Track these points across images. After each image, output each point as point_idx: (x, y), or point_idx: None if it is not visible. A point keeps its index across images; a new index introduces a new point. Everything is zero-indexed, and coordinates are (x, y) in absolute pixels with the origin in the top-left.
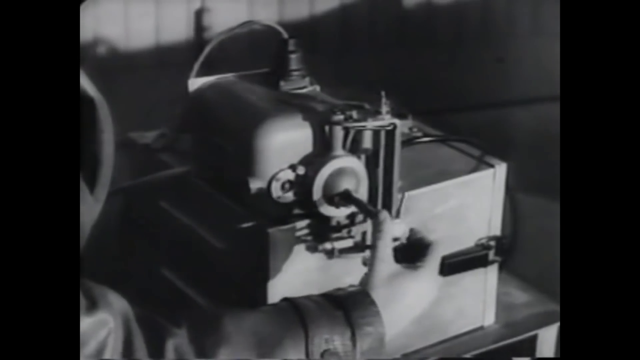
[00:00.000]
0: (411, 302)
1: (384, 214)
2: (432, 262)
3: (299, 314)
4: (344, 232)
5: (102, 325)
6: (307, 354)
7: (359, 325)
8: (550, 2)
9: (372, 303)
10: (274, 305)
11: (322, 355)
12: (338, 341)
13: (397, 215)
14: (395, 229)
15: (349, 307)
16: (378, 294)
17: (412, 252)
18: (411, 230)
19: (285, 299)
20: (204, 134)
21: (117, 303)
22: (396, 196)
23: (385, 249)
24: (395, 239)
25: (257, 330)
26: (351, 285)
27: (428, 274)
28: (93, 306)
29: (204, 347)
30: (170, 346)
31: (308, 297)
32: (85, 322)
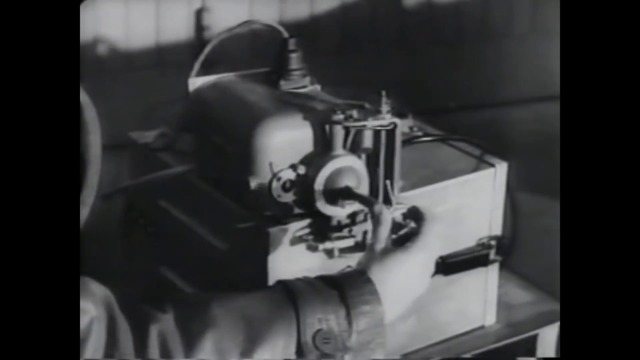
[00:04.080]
0: (409, 282)
1: (380, 205)
2: (429, 238)
3: (289, 294)
4: (345, 232)
5: (83, 314)
6: (298, 336)
7: (354, 303)
8: (550, 2)
9: (369, 281)
10: (265, 288)
11: (314, 336)
12: (332, 320)
13: (390, 202)
14: (391, 215)
15: (344, 286)
16: (376, 275)
17: (409, 234)
18: (410, 209)
19: (278, 282)
20: (204, 134)
21: (99, 291)
22: (396, 195)
23: (384, 232)
24: (396, 225)
25: (246, 313)
26: (348, 266)
27: (425, 252)
28: None
29: (190, 331)
30: (154, 332)
31: (301, 279)
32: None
